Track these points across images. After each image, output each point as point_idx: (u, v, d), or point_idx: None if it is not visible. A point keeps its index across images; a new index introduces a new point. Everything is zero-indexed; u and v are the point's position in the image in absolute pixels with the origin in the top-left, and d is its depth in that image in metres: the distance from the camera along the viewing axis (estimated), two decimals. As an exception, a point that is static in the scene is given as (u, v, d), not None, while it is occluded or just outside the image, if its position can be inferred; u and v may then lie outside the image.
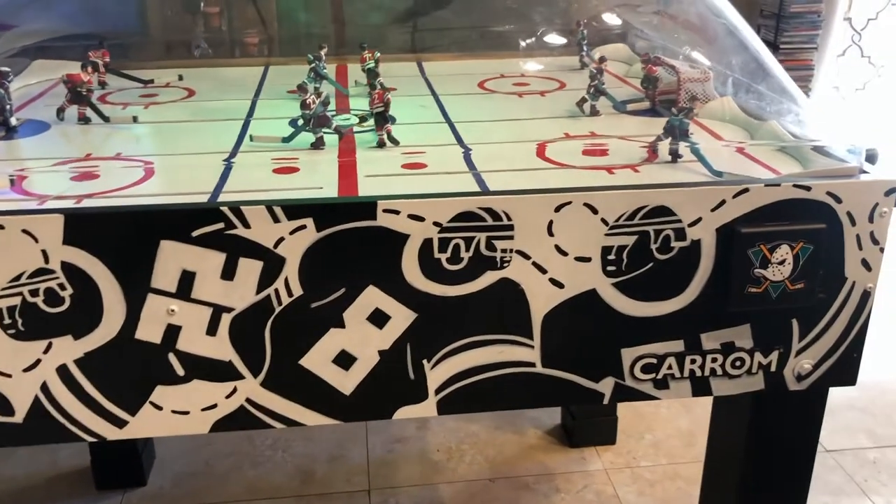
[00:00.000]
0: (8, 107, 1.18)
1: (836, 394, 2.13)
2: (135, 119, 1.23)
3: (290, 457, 1.94)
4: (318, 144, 1.10)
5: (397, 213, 0.86)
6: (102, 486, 1.82)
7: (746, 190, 0.91)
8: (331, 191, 0.95)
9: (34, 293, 0.84)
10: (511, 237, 0.89)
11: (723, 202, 0.91)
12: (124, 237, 0.84)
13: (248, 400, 0.92)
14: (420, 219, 0.87)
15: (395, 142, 1.11)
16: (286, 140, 1.12)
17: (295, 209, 0.85)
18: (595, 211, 0.89)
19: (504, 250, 0.89)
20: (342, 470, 1.90)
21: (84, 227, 0.83)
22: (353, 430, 2.03)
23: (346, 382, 0.93)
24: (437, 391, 0.95)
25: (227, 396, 0.91)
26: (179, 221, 0.84)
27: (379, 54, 1.40)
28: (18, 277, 0.84)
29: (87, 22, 1.91)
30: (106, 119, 1.22)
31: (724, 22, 1.32)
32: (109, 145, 1.14)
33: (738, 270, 0.92)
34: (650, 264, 0.92)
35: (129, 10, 1.96)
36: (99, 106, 1.24)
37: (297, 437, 2.00)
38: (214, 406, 0.92)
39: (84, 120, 1.23)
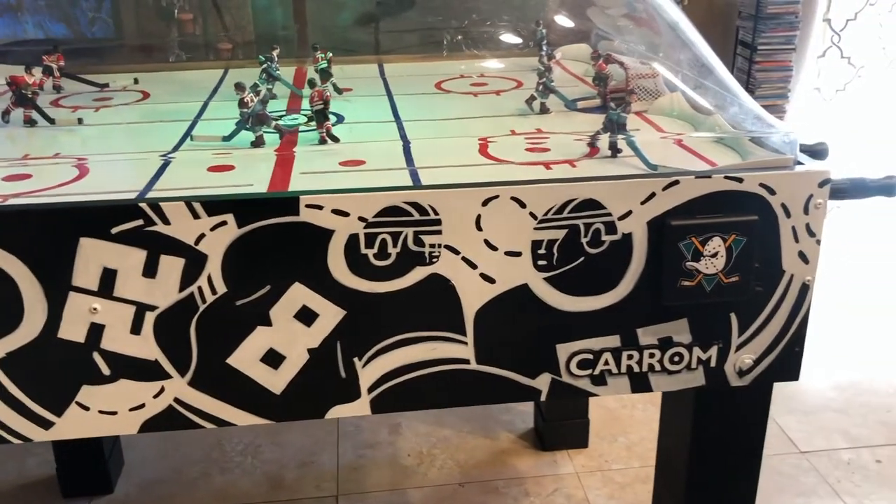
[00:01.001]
0: (-49, 109, 1.18)
1: (813, 395, 2.12)
2: (80, 121, 1.23)
3: (260, 462, 1.93)
4: (258, 143, 1.10)
5: (321, 208, 0.86)
6: (69, 494, 1.81)
7: (677, 182, 0.90)
8: (261, 188, 0.95)
9: (-47, 292, 0.84)
10: (439, 232, 0.88)
11: (653, 195, 0.90)
12: (43, 235, 0.83)
13: (176, 399, 0.91)
14: (345, 214, 0.86)
15: (334, 139, 1.10)
16: (226, 139, 1.12)
17: (214, 205, 0.84)
18: (523, 205, 0.88)
19: (432, 245, 0.88)
20: (311, 475, 1.89)
21: (2, 224, 0.82)
22: (325, 436, 2.02)
23: (275, 381, 0.92)
24: (370, 389, 0.93)
25: (155, 396, 0.90)
26: (98, 218, 0.83)
27: (331, 55, 1.39)
28: (-64, 277, 0.83)
29: (58, 28, 1.91)
30: (51, 121, 1.22)
31: (675, 23, 1.31)
32: (51, 146, 1.14)
33: (670, 264, 0.91)
34: (581, 258, 0.91)
35: (103, 17, 1.97)
36: (46, 109, 1.23)
37: (267, 442, 1.99)
38: (142, 406, 0.90)
39: (30, 122, 1.22)
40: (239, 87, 1.10)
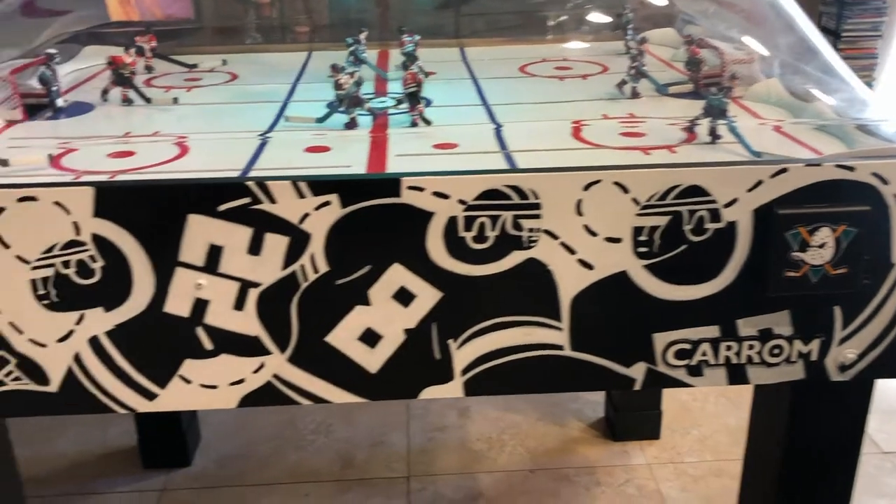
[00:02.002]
0: (55, 88, 1.21)
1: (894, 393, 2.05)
2: (175, 100, 1.25)
3: (332, 441, 1.96)
4: (351, 125, 1.10)
5: (421, 189, 0.86)
6: (148, 465, 1.87)
7: (785, 170, 0.87)
8: (359, 169, 0.95)
9: (66, 265, 0.86)
10: (538, 216, 0.87)
11: (760, 182, 0.87)
12: (153, 211, 0.85)
13: (275, 375, 0.92)
14: (445, 196, 0.86)
15: (427, 122, 1.10)
16: (320, 120, 1.12)
17: (320, 185, 0.85)
18: (626, 190, 0.87)
19: (531, 229, 0.88)
20: (382, 456, 1.91)
21: (114, 200, 0.84)
22: (395, 417, 2.04)
23: (371, 360, 0.92)
24: (464, 372, 0.94)
25: (255, 371, 0.92)
26: (206, 196, 0.85)
27: (418, 38, 1.39)
28: (51, 249, 0.86)
29: (142, 11, 1.94)
30: (147, 100, 1.25)
31: (774, 5, 1.28)
32: (149, 125, 1.16)
33: (775, 254, 0.88)
34: (683, 246, 0.89)
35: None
36: (142, 88, 1.26)
37: (340, 421, 2.02)
38: (242, 381, 0.92)
39: (127, 101, 1.25)
40: (335, 68, 1.11)
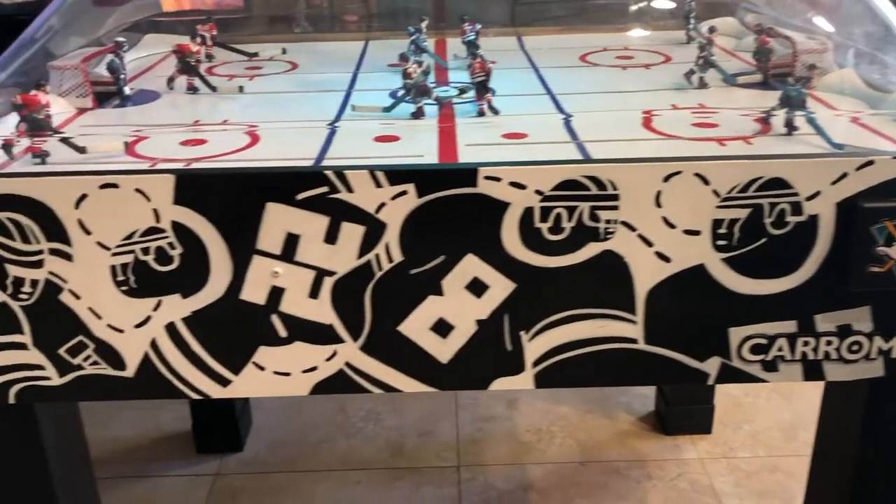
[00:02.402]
0: (122, 76, 1.23)
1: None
2: (241, 89, 1.26)
3: (381, 429, 1.97)
4: (418, 114, 1.10)
5: (498, 180, 0.85)
6: (202, 450, 1.90)
7: (871, 162, 0.85)
8: (431, 158, 0.95)
9: (146, 251, 0.87)
10: (616, 207, 0.86)
11: (844, 175, 0.85)
12: (232, 199, 0.86)
13: (347, 364, 0.93)
14: (522, 186, 0.85)
15: (495, 111, 1.09)
16: (387, 110, 1.12)
17: (397, 174, 0.85)
18: (706, 182, 0.85)
19: (608, 221, 0.87)
20: (432, 445, 1.91)
21: (194, 187, 0.85)
22: (443, 406, 2.04)
23: (443, 351, 0.92)
24: (535, 364, 0.93)
25: (328, 359, 0.92)
26: (285, 184, 0.85)
27: (479, 27, 1.38)
28: (131, 236, 0.87)
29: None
30: (213, 89, 1.25)
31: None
32: (217, 113, 1.17)
33: (859, 248, 0.86)
34: (763, 239, 0.88)
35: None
36: (206, 76, 1.27)
37: (388, 410, 2.03)
38: (315, 368, 0.93)
39: (192, 90, 1.26)
40: (403, 58, 1.11)
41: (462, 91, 1.23)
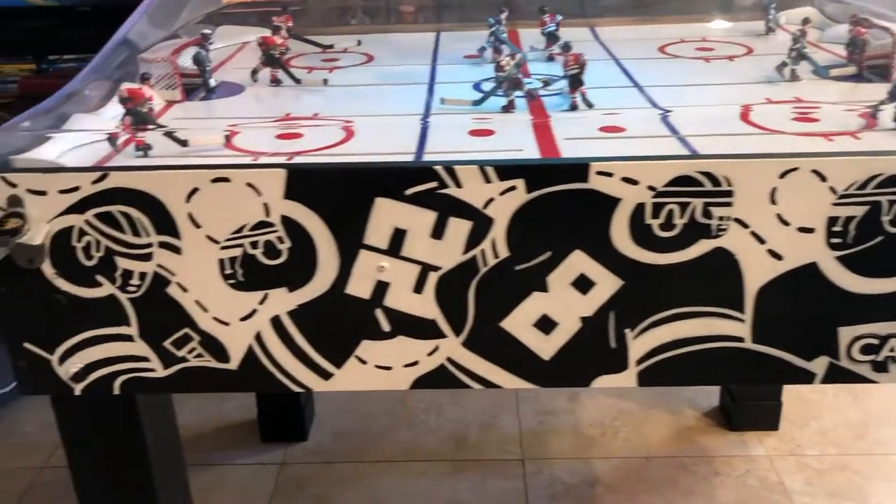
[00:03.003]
0: (207, 69, 1.23)
1: None
2: (325, 82, 1.26)
3: (444, 421, 1.97)
4: (509, 107, 1.09)
5: (610, 175, 0.84)
6: (267, 439, 1.91)
7: None
8: (531, 153, 0.94)
9: (254, 245, 0.87)
10: (730, 204, 0.85)
11: (971, 171, 0.83)
12: (342, 193, 0.85)
13: (448, 359, 0.92)
14: (634, 182, 0.84)
15: (589, 104, 1.08)
16: (476, 103, 1.11)
17: (507, 169, 0.84)
18: (823, 178, 0.83)
19: (721, 217, 0.85)
20: (495, 438, 1.91)
21: (305, 182, 0.85)
22: (504, 399, 2.04)
23: (546, 347, 0.91)
24: (639, 362, 0.92)
25: (429, 354, 0.92)
26: (395, 179, 0.85)
27: (560, 18, 1.37)
28: (241, 229, 0.87)
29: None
30: (297, 81, 1.26)
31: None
32: (303, 106, 1.17)
33: (981, 247, 0.84)
34: (880, 238, 0.85)
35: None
36: (290, 69, 1.27)
37: (449, 401, 2.03)
38: (416, 363, 0.93)
39: (276, 82, 1.26)
40: (496, 50, 1.10)
41: (546, 83, 1.22)
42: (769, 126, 1.00)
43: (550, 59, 1.35)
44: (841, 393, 2.01)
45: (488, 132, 1.03)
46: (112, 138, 0.95)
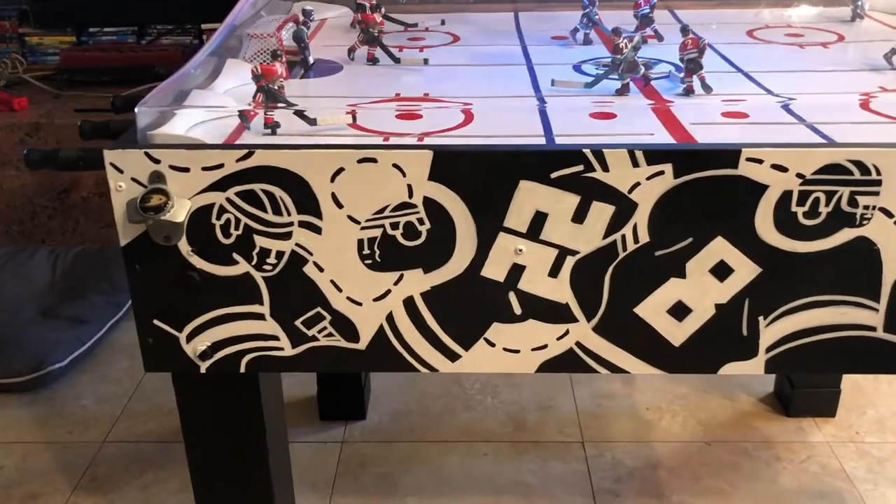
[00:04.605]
0: (307, 46, 1.22)
1: None
2: (426, 62, 1.25)
3: (500, 403, 1.97)
4: (623, 91, 1.08)
5: (760, 162, 0.83)
6: (325, 417, 1.91)
7: None
8: (663, 137, 0.93)
9: (394, 226, 0.87)
10: (877, 193, 0.84)
11: None
12: (487, 176, 0.85)
13: (577, 343, 0.92)
14: (783, 169, 0.84)
15: (708, 88, 1.07)
16: (589, 85, 1.11)
17: (656, 154, 0.84)
18: (973, 169, 0.83)
19: (866, 206, 0.85)
20: (553, 420, 1.92)
21: (450, 164, 0.84)
22: (559, 382, 2.04)
23: (677, 333, 0.92)
24: (769, 349, 0.92)
25: (559, 338, 0.92)
26: (541, 162, 0.84)
27: (655, 1, 1.36)
28: (382, 210, 0.86)
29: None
30: (397, 61, 1.24)
31: None
32: (410, 87, 1.16)
33: None
34: None
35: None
36: (390, 49, 1.26)
37: (504, 383, 2.03)
38: (545, 347, 0.93)
39: (373, 61, 1.25)
40: (616, 32, 1.09)
41: (647, 66, 1.20)
42: (893, 115, 1.00)
43: (644, 41, 1.34)
44: (895, 381, 2.02)
45: (610, 115, 1.02)
46: (242, 114, 0.94)
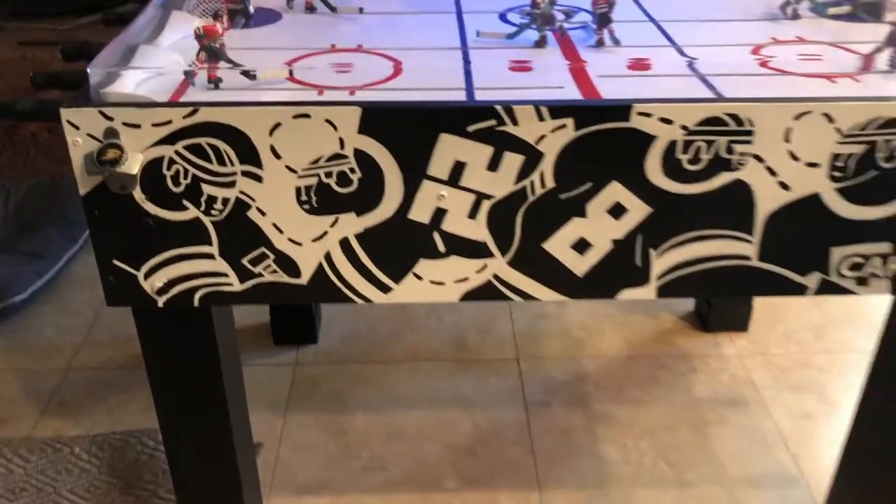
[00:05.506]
0: (247, -5, 1.29)
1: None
2: (361, 10, 1.32)
3: (443, 326, 2.12)
4: (541, 42, 1.18)
5: (649, 115, 0.95)
6: (279, 342, 2.04)
7: (978, 105, 0.96)
8: (571, 90, 1.04)
9: (328, 175, 0.97)
10: (750, 142, 0.97)
11: (954, 116, 0.96)
12: (411, 129, 0.95)
13: (494, 275, 1.05)
14: (669, 122, 0.95)
15: (617, 42, 1.17)
16: (510, 37, 1.20)
17: (559, 110, 0.94)
18: (832, 120, 0.96)
19: (741, 154, 0.97)
20: (491, 340, 2.07)
21: (378, 118, 0.94)
22: (498, 305, 2.19)
23: (580, 265, 1.04)
24: (659, 277, 1.06)
25: (478, 272, 1.04)
26: (459, 117, 0.94)
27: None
28: (317, 161, 0.96)
29: None
30: (333, 9, 1.32)
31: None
32: (345, 37, 1.24)
33: (958, 181, 0.98)
34: (874, 172, 0.99)
35: None
36: (326, -4, 1.33)
37: (446, 307, 2.17)
38: (466, 279, 1.05)
39: (310, 9, 1.32)
40: (529, -13, 1.17)
41: (567, 14, 1.30)
42: (778, 66, 1.12)
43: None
44: (803, 299, 2.21)
45: (527, 68, 1.12)
46: (188, 73, 1.02)
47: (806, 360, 2.00)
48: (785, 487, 1.66)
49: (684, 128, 0.96)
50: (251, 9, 1.29)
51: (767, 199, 1.01)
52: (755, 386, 1.92)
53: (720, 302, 2.06)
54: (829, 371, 1.96)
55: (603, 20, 1.18)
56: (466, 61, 1.13)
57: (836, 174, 0.99)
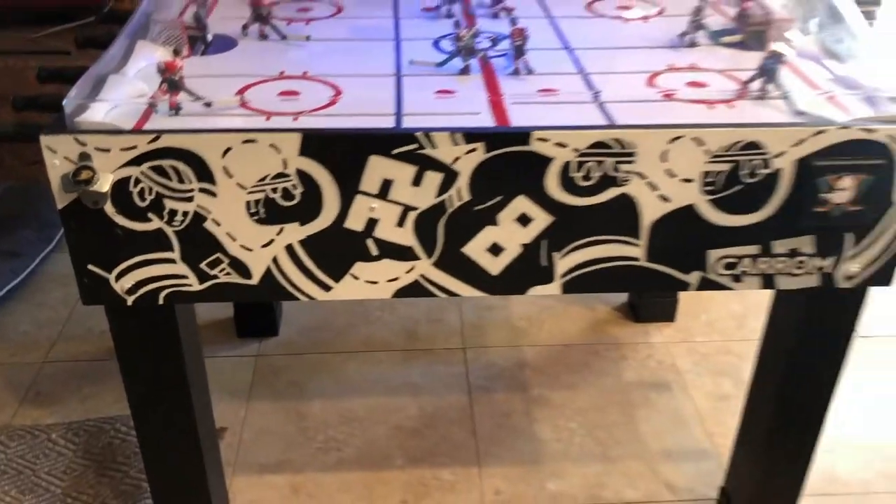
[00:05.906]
0: (206, 24, 1.44)
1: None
2: (308, 38, 1.48)
3: (396, 318, 2.29)
4: (465, 71, 1.35)
5: (546, 140, 1.12)
6: (242, 335, 2.19)
7: (823, 131, 1.14)
8: (485, 115, 1.21)
9: (274, 190, 1.13)
10: (633, 162, 1.14)
11: (802, 140, 1.14)
12: (344, 152, 1.11)
13: (421, 275, 1.22)
14: (563, 145, 1.13)
15: (530, 71, 1.34)
16: (439, 65, 1.36)
17: (471, 136, 1.11)
18: (702, 143, 1.14)
19: (626, 171, 1.15)
20: (440, 331, 2.24)
21: (316, 143, 1.10)
22: (449, 299, 2.36)
23: (494, 266, 1.22)
24: (563, 276, 1.23)
25: (407, 272, 1.21)
26: (385, 142, 1.11)
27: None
28: (263, 179, 1.12)
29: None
30: (283, 37, 1.47)
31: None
32: (294, 64, 1.39)
33: (808, 194, 1.17)
34: (739, 186, 1.17)
35: None
36: (278, 26, 1.48)
37: (401, 302, 2.34)
38: (396, 279, 1.22)
39: (263, 37, 1.48)
40: (457, 24, 1.34)
41: (494, 41, 1.47)
42: (668, 92, 1.29)
43: (496, 16, 1.60)
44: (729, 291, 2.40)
45: (450, 92, 1.28)
46: (152, 102, 1.17)
47: (726, 347, 2.20)
48: (699, 461, 1.86)
49: (576, 150, 1.13)
50: (209, 37, 1.44)
51: (650, 210, 1.18)
52: (678, 371, 2.11)
53: (650, 295, 2.25)
54: (747, 357, 2.16)
55: (518, 52, 1.34)
56: (399, 88, 1.29)
57: (708, 188, 1.17)
